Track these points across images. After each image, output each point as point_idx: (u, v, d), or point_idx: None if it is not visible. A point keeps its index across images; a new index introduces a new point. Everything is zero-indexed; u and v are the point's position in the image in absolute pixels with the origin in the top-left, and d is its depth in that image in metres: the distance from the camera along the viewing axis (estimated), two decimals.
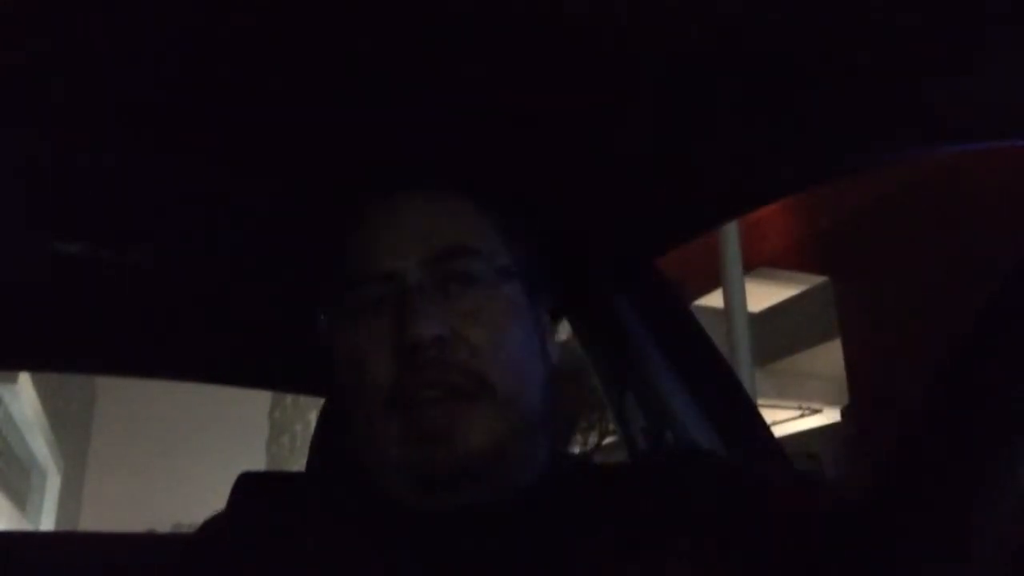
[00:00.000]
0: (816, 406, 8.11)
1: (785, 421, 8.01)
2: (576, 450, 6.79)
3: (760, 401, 6.02)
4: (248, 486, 0.69)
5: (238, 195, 0.87)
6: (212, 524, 0.65)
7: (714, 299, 6.60)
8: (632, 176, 0.86)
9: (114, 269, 1.01)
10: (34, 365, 1.36)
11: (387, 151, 0.79)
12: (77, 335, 1.18)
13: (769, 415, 3.57)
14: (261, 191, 0.86)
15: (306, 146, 0.79)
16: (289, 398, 41.99)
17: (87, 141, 0.77)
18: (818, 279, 7.36)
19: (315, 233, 0.91)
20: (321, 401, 0.89)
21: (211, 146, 0.78)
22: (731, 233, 5.99)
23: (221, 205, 0.88)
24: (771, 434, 0.98)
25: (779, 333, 7.46)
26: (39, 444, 5.95)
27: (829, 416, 7.84)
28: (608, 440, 7.04)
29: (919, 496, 0.42)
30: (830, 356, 7.18)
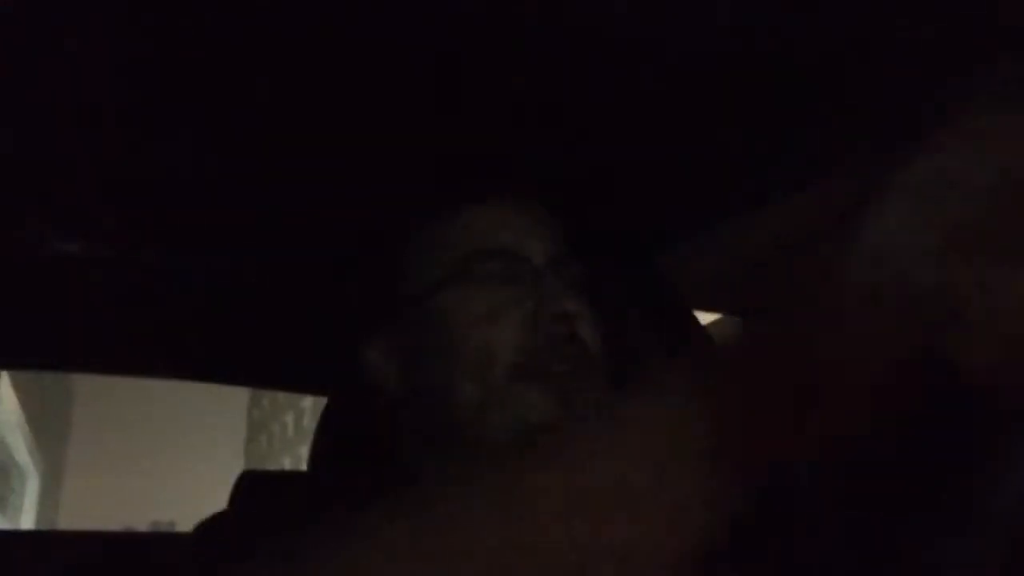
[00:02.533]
0: None
1: None
2: None
3: None
4: (251, 486, 0.69)
5: (239, 195, 0.87)
6: (212, 523, 0.63)
7: None
8: (632, 176, 0.86)
9: (113, 268, 1.01)
10: (33, 364, 1.36)
11: (389, 159, 0.80)
12: (76, 335, 1.18)
13: None
14: (263, 190, 0.86)
15: (322, 146, 0.79)
16: (266, 398, 41.75)
17: (86, 139, 0.77)
18: None
19: (319, 233, 0.91)
20: (298, 402, 0.90)
21: (215, 141, 0.78)
22: None
23: (222, 204, 0.88)
24: None
25: None
26: (19, 446, 5.96)
27: None
28: None
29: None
30: None
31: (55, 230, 0.92)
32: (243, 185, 0.85)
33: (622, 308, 1.04)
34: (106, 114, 0.73)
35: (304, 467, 0.88)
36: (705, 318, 1.15)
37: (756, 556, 0.46)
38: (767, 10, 0.60)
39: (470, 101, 0.73)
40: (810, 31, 0.62)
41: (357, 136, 0.77)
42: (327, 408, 0.85)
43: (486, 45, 0.65)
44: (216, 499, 0.77)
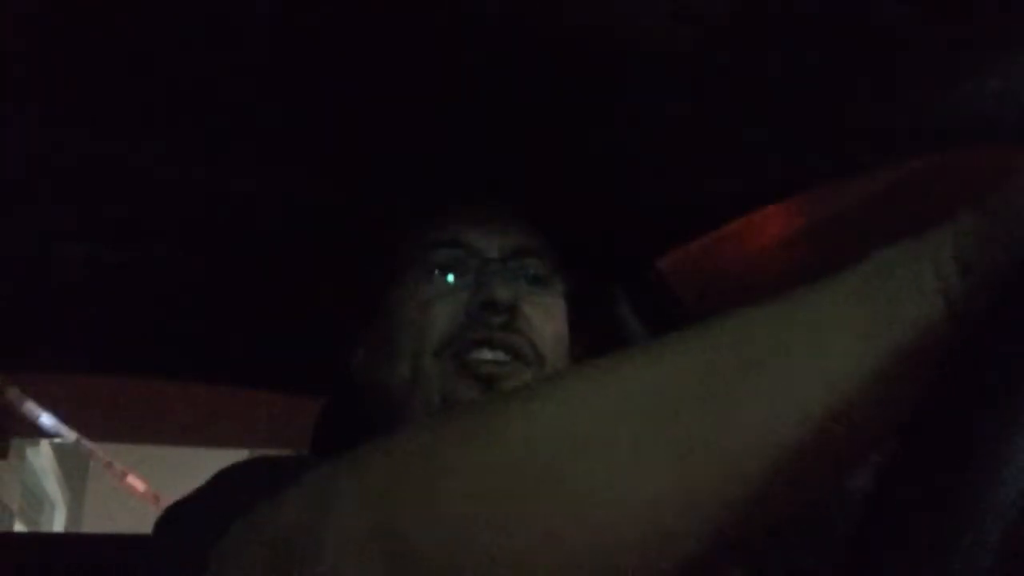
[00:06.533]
0: None
1: None
2: None
3: None
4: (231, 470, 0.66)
5: (239, 193, 0.87)
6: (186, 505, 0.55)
7: None
8: (632, 176, 0.86)
9: (112, 269, 1.01)
10: (32, 365, 1.36)
11: (387, 156, 0.80)
12: (76, 335, 1.18)
13: None
14: (265, 190, 0.86)
15: (325, 145, 0.79)
16: None
17: (85, 136, 0.77)
18: None
19: (319, 234, 0.91)
20: None
21: (215, 140, 0.78)
22: None
23: (222, 203, 0.88)
24: None
25: None
26: (51, 484, 6.35)
27: None
28: None
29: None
30: None
31: (55, 230, 0.92)
32: (242, 185, 0.85)
33: (622, 308, 1.04)
34: (105, 114, 0.73)
35: None
36: None
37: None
38: (764, 10, 0.60)
39: (460, 106, 0.73)
40: (809, 31, 0.62)
41: (353, 137, 0.77)
42: (324, 406, 0.85)
43: (489, 50, 0.65)
44: None
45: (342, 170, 0.83)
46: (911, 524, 0.23)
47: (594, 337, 1.09)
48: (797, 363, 0.29)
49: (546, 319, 0.66)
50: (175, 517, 0.51)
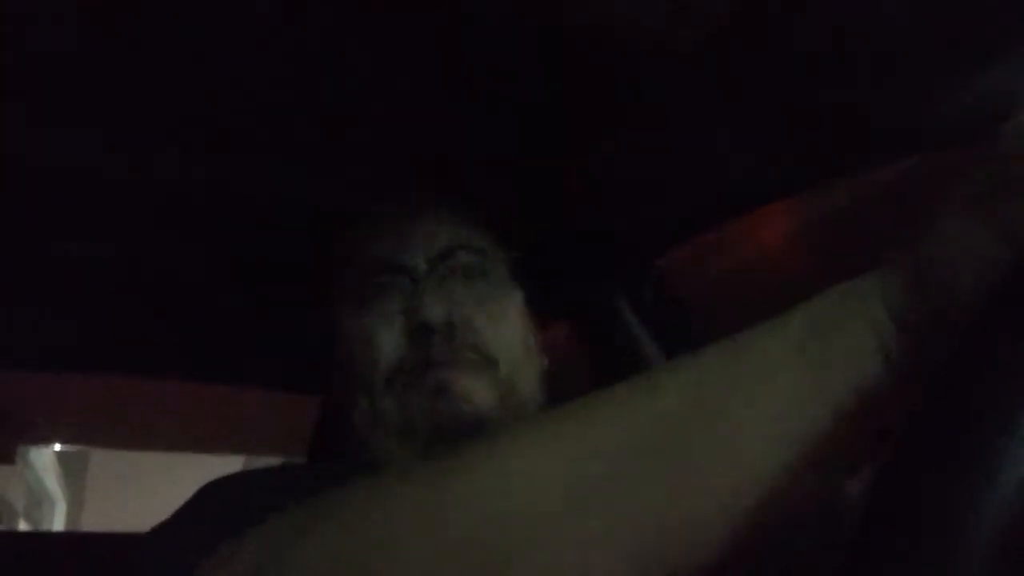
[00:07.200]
0: None
1: None
2: None
3: None
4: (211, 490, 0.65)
5: (240, 193, 0.87)
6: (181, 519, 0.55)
7: None
8: (632, 176, 0.86)
9: (112, 269, 1.01)
10: (33, 365, 1.36)
11: (392, 156, 0.80)
12: (76, 335, 1.18)
13: None
14: (265, 189, 0.86)
15: (313, 146, 0.79)
16: None
17: (85, 135, 0.77)
18: None
19: (316, 232, 0.91)
20: None
21: (210, 141, 0.78)
22: None
23: (222, 203, 0.88)
24: None
25: None
26: (52, 483, 6.40)
27: None
28: None
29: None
30: None
31: (55, 230, 0.92)
32: (241, 185, 0.85)
33: (622, 308, 1.04)
34: (103, 113, 0.73)
35: None
36: None
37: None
38: (765, 10, 0.59)
39: (466, 104, 0.73)
40: (809, 31, 0.62)
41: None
42: (323, 407, 0.85)
43: (484, 49, 0.65)
44: None
45: (342, 169, 0.83)
46: (908, 528, 0.23)
47: (595, 337, 1.10)
48: (746, 424, 0.30)
49: (493, 319, 0.64)
50: (154, 544, 0.50)
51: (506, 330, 0.65)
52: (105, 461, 6.14)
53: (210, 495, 0.53)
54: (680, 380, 0.32)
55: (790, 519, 0.31)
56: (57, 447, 5.29)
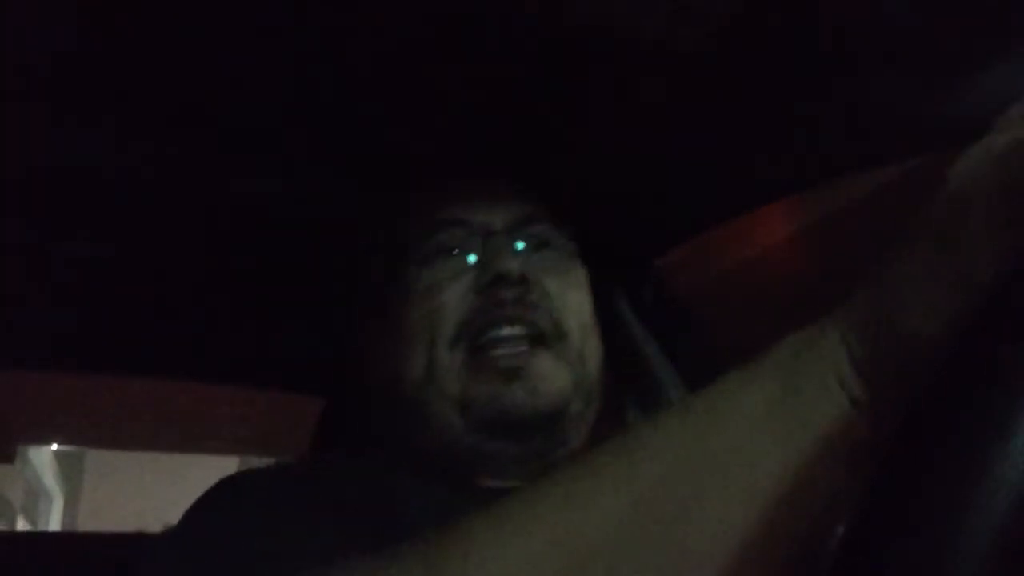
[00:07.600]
0: None
1: None
2: None
3: None
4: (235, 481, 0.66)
5: (240, 192, 0.87)
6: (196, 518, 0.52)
7: None
8: (632, 176, 0.86)
9: (111, 268, 1.01)
10: (33, 364, 1.36)
11: (392, 156, 0.80)
12: (75, 335, 1.18)
13: None
14: (264, 189, 0.86)
15: (313, 146, 0.79)
16: None
17: (83, 135, 0.77)
18: None
19: (320, 232, 0.91)
20: None
21: (212, 136, 0.78)
22: None
23: (222, 203, 0.88)
24: None
25: None
26: (49, 479, 6.43)
27: None
28: None
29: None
30: None
31: (56, 230, 0.92)
32: (241, 185, 0.85)
33: (622, 308, 1.04)
34: (103, 113, 0.73)
35: None
36: None
37: None
38: (765, 10, 0.59)
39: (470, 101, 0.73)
40: (809, 31, 0.62)
41: (337, 122, 0.76)
42: (328, 407, 0.85)
43: (489, 45, 0.65)
44: None
45: (342, 169, 0.83)
46: (908, 529, 0.23)
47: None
48: (722, 505, 0.31)
49: (563, 286, 0.62)
50: (181, 541, 0.49)
51: (575, 302, 0.62)
52: (102, 460, 6.17)
53: (232, 490, 0.51)
54: (654, 463, 0.32)
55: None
56: (55, 446, 5.32)
